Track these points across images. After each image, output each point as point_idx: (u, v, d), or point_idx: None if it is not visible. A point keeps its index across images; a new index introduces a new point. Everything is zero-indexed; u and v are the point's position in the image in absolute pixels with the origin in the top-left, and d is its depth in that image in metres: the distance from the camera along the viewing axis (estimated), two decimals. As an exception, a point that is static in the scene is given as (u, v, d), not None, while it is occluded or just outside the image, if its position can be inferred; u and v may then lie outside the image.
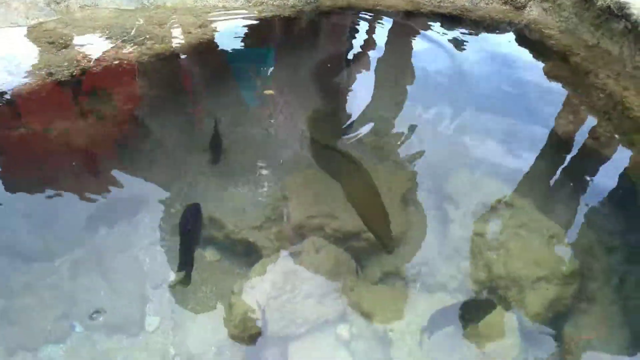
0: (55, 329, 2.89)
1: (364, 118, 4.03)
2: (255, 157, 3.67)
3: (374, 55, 4.68)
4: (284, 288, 2.99)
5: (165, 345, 2.91)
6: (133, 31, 3.96)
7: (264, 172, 3.51)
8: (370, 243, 3.22)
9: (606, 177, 3.60)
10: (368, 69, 4.58)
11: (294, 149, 3.82)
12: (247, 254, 3.22)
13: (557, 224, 3.21)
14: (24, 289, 2.95)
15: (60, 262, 3.05)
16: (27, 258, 3.05)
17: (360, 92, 4.34)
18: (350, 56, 4.68)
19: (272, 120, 4.00)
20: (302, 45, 4.70)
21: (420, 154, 3.70)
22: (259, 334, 2.86)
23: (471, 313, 2.99)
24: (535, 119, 4.00)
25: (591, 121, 3.88)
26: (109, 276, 3.06)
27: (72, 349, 2.87)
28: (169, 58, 3.93)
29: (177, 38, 4.06)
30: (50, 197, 3.30)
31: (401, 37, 4.84)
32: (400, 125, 3.95)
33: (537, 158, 3.77)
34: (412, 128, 3.95)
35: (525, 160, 3.69)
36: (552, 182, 3.60)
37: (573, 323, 2.98)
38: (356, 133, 3.91)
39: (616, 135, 3.61)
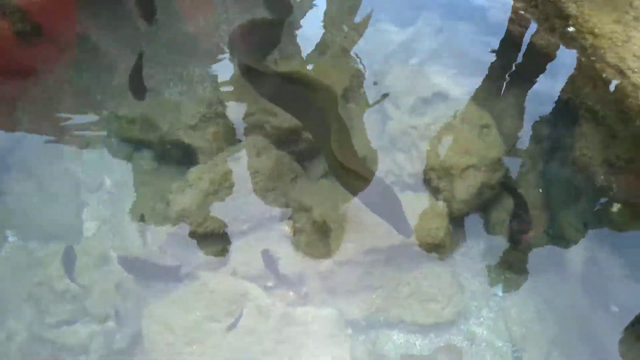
0: (-11, 239, 2.84)
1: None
2: (189, 55, 3.45)
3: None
4: (223, 185, 2.98)
5: (105, 249, 2.92)
6: None
7: (198, 70, 3.33)
8: (311, 143, 3.22)
9: (537, 69, 3.65)
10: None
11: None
12: (184, 157, 3.15)
13: (490, 114, 3.27)
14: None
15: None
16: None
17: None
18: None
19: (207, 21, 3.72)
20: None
21: (361, 50, 3.58)
22: (200, 231, 2.91)
23: None
24: (471, 11, 3.90)
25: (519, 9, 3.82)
26: (42, 183, 2.95)
27: (6, 258, 2.85)
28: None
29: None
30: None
31: None
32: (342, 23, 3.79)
33: (474, 52, 3.71)
34: (354, 26, 3.79)
35: (463, 55, 3.63)
36: (487, 75, 3.62)
37: (500, 207, 3.19)
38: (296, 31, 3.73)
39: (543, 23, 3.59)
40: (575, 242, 2.88)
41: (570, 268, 3.00)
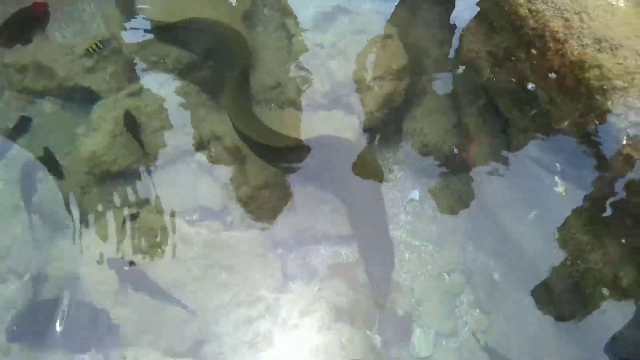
0: None
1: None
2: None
3: None
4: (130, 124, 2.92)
5: (16, 200, 2.85)
6: None
7: (88, 7, 3.12)
8: (214, 71, 3.14)
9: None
10: None
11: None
12: (86, 99, 3.02)
13: (393, 25, 3.24)
14: None
15: None
16: None
17: None
18: None
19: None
20: None
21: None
22: (113, 169, 2.87)
23: None
24: None
25: None
26: None
27: None
28: None
29: None
30: None
31: None
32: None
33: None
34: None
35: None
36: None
37: (410, 115, 3.25)
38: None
39: None
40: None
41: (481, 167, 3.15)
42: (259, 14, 3.32)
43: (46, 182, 2.91)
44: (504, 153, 2.87)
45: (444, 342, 2.86)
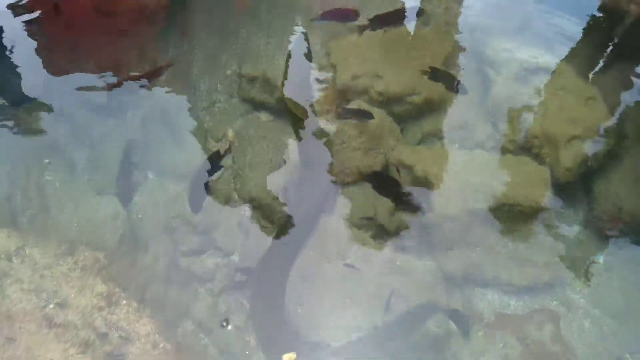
0: (134, 176, 3.15)
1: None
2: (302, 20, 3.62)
3: None
4: (334, 142, 3.12)
5: (229, 192, 3.14)
6: None
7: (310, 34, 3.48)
8: (414, 106, 3.28)
9: None
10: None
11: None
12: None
13: (595, 87, 3.16)
14: (101, 138, 3.18)
15: (131, 117, 3.24)
16: (103, 113, 3.25)
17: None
18: None
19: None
20: None
21: (462, 20, 3.57)
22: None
23: None
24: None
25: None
26: (175, 131, 3.25)
27: (148, 193, 3.16)
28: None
29: None
30: (116, 58, 3.40)
31: None
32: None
33: (579, 25, 3.58)
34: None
35: (567, 27, 3.53)
36: (594, 50, 3.45)
37: (603, 177, 3.05)
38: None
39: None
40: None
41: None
42: (456, 59, 3.46)
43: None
44: None
45: None
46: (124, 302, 2.42)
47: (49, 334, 2.02)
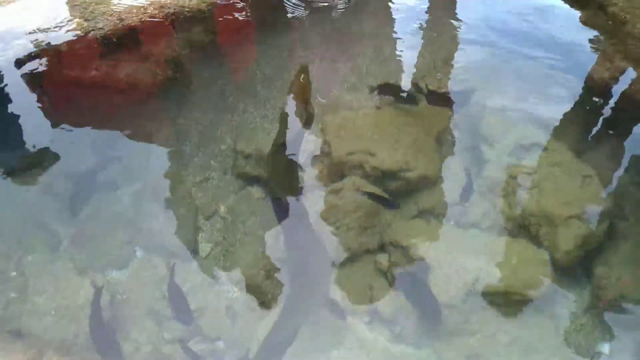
0: (121, 254, 3.03)
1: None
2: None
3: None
4: (328, 220, 3.05)
5: (216, 270, 3.02)
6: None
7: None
8: (408, 182, 3.23)
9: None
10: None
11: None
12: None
13: (591, 166, 3.13)
14: (90, 214, 3.08)
15: (121, 193, 3.17)
16: (92, 188, 3.17)
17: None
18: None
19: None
20: None
21: (455, 95, 3.62)
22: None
23: None
24: (570, 66, 3.83)
25: (626, 69, 3.74)
26: (166, 207, 3.17)
27: (134, 271, 3.02)
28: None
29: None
30: (110, 132, 3.38)
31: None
32: (433, 68, 3.88)
33: (571, 103, 3.64)
34: (445, 72, 3.86)
35: (561, 105, 3.55)
36: (586, 127, 3.47)
37: (603, 260, 2.96)
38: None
39: None
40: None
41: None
42: (449, 134, 3.46)
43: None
44: None
45: None
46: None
47: None
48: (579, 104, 3.64)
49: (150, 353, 2.67)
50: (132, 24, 3.65)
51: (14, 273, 2.76)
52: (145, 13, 3.73)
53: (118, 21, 3.64)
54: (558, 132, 3.39)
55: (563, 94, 3.69)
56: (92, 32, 3.56)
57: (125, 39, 3.62)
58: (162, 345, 2.73)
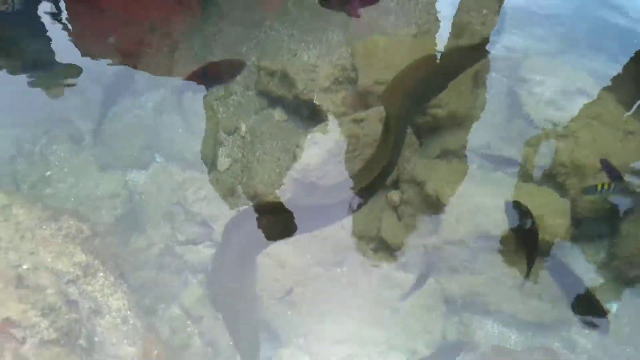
0: (140, 157, 3.10)
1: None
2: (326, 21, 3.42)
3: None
4: (346, 148, 2.94)
5: (233, 184, 3.04)
6: None
7: (336, 37, 3.30)
8: (435, 119, 3.06)
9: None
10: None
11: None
12: (312, 117, 3.14)
13: (638, 122, 2.89)
14: (113, 116, 3.12)
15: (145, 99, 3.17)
16: (116, 92, 3.18)
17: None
18: None
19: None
20: None
21: (497, 35, 3.30)
22: (319, 183, 2.90)
23: None
24: (627, 22, 3.43)
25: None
26: (187, 118, 3.16)
27: (153, 175, 3.09)
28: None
29: None
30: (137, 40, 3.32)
31: None
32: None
33: (626, 58, 3.28)
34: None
35: (613, 58, 3.24)
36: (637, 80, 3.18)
37: (632, 219, 2.77)
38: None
39: None
40: None
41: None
42: (485, 75, 3.22)
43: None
44: None
45: None
46: (101, 274, 2.36)
47: (14, 293, 1.97)
48: (634, 60, 3.28)
49: (162, 250, 2.79)
50: None
51: (38, 158, 2.86)
52: None
53: None
54: (607, 83, 3.09)
55: (617, 48, 3.34)
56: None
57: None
58: (175, 245, 2.84)
